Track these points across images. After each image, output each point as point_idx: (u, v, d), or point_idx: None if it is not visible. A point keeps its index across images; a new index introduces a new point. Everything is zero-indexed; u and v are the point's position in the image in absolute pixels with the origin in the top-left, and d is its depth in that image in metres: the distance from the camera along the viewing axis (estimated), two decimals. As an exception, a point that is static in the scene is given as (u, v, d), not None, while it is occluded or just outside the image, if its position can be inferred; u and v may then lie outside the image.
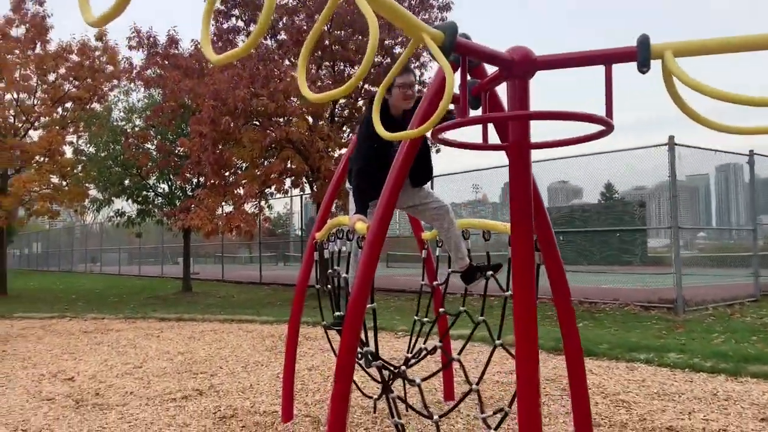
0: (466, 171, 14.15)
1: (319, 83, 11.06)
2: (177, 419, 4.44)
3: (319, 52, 13.53)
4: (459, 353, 3.77)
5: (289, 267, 34.44)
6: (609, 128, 2.21)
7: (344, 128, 13.99)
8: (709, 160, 12.02)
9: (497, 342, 3.30)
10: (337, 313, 3.71)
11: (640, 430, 3.97)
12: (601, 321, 9.40)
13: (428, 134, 2.72)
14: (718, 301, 10.78)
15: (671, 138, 10.24)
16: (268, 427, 4.24)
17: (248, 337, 8.33)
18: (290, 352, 4.47)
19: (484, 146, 2.57)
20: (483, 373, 3.51)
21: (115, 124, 18.05)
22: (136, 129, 17.55)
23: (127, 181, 17.65)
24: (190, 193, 16.80)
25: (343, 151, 13.22)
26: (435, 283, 4.24)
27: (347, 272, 3.45)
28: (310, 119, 11.61)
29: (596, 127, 2.14)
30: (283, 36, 14.18)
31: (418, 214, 3.71)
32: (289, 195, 14.33)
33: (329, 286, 4.03)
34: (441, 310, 4.02)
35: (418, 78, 13.66)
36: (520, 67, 2.29)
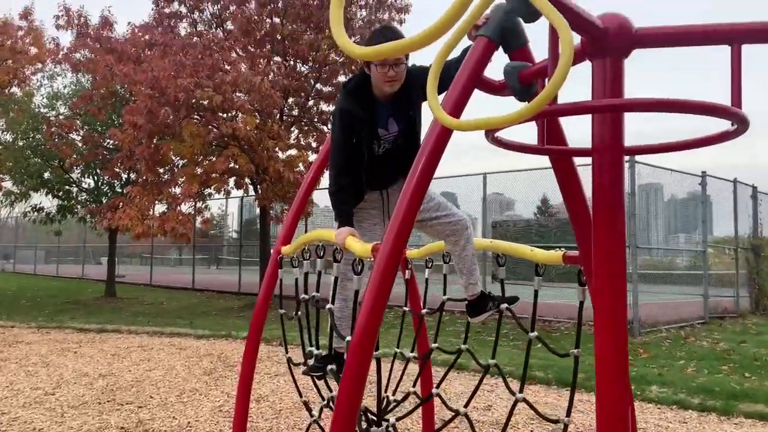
0: (439, 177, 13.51)
1: (271, 76, 10.23)
2: (96, 473, 3.57)
3: (268, 46, 12.68)
4: (438, 386, 3.12)
5: (222, 271, 32.97)
6: (743, 126, 1.61)
7: (292, 129, 13.16)
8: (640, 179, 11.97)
9: (518, 396, 2.66)
10: (313, 350, 2.97)
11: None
12: (558, 341, 9.01)
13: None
14: (671, 323, 10.66)
15: (632, 157, 10.05)
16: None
17: (182, 356, 7.38)
18: (243, 393, 3.67)
19: (567, 150, 1.94)
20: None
21: (36, 110, 16.46)
22: (61, 117, 16.05)
23: (47, 174, 16.09)
24: (119, 190, 15.48)
25: (292, 152, 12.39)
26: (424, 311, 3.57)
27: (332, 302, 2.72)
28: (257, 116, 10.73)
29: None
30: (230, 26, 13.24)
31: (428, 230, 3.03)
32: (230, 197, 13.34)
33: (298, 313, 3.29)
34: (434, 345, 3.35)
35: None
36: (616, 40, 1.66)
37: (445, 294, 3.41)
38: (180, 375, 6.27)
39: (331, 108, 13.42)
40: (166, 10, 13.19)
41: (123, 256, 32.64)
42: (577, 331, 2.66)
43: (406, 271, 3.84)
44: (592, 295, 2.56)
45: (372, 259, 2.31)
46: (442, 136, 2.05)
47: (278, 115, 11.46)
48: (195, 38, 12.66)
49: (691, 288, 13.46)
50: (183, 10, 13.34)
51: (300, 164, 11.52)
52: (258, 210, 13.35)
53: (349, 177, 2.82)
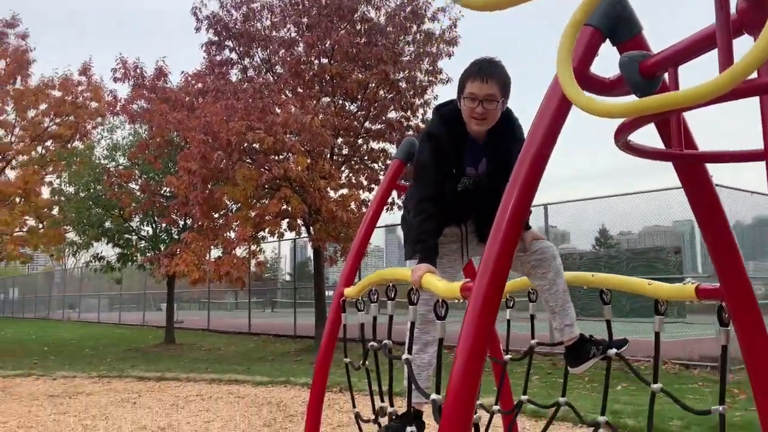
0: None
1: (321, 115, 10.16)
2: None
3: (317, 87, 12.70)
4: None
5: (277, 314, 32.94)
6: None
7: (343, 168, 13.04)
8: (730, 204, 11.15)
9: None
10: (387, 407, 2.61)
11: None
12: (639, 382, 8.30)
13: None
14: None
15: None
16: None
17: (241, 405, 7.11)
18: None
19: (734, 155, 1.58)
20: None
21: (96, 162, 16.98)
22: (120, 167, 16.49)
23: (108, 223, 16.46)
24: (176, 237, 15.65)
25: (343, 191, 12.21)
26: (507, 357, 3.17)
27: (408, 351, 2.37)
28: (308, 157, 10.64)
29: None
30: (279, 69, 13.37)
31: (514, 265, 2.68)
32: (283, 239, 13.26)
33: (366, 363, 2.96)
34: (524, 398, 2.94)
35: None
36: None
37: (533, 338, 3.02)
38: (239, 427, 5.97)
39: (381, 146, 13.27)
40: (218, 58, 13.44)
41: (181, 301, 33.10)
42: (721, 383, 2.23)
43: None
44: (743, 334, 2.15)
45: (461, 299, 1.97)
46: (551, 130, 1.72)
47: (329, 154, 11.37)
48: (246, 84, 12.82)
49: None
50: (234, 57, 13.58)
51: (352, 203, 11.33)
52: (311, 251, 13.21)
53: (436, 206, 2.50)
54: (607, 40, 1.80)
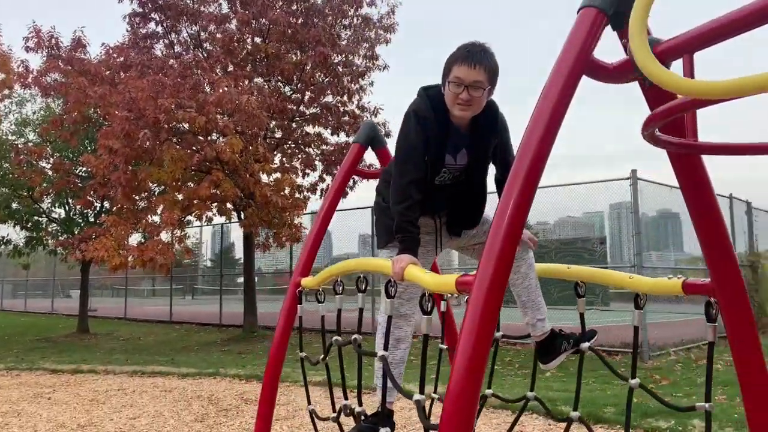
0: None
1: (256, 95, 9.72)
2: None
3: (250, 66, 12.21)
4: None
5: (198, 301, 31.95)
6: None
7: (275, 152, 12.62)
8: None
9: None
10: (354, 407, 2.43)
11: None
12: (567, 368, 8.52)
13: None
14: (678, 345, 10.28)
15: (634, 172, 9.76)
16: None
17: (169, 399, 6.71)
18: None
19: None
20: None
21: (3, 137, 15.65)
22: (29, 144, 15.27)
23: (15, 204, 15.23)
24: (93, 220, 14.70)
25: (277, 175, 11.82)
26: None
27: (385, 347, 2.19)
28: (242, 139, 10.18)
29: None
30: (208, 46, 12.75)
31: (477, 254, 2.56)
32: (211, 223, 12.70)
33: (326, 359, 2.77)
34: (488, 392, 2.84)
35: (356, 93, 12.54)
36: None
37: (498, 330, 2.93)
38: (169, 423, 5.61)
39: (316, 130, 12.96)
40: (142, 31, 12.66)
41: (93, 288, 31.41)
42: (707, 381, 2.20)
43: (442, 303, 3.35)
44: (732, 328, 2.12)
45: (456, 294, 1.82)
46: (553, 120, 1.59)
47: (263, 137, 10.95)
48: (172, 60, 12.17)
49: (692, 307, 13.15)
50: (159, 30, 12.83)
51: (287, 188, 10.99)
52: (234, 237, 12.75)
53: (421, 192, 2.32)
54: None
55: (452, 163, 2.46)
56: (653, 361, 9.18)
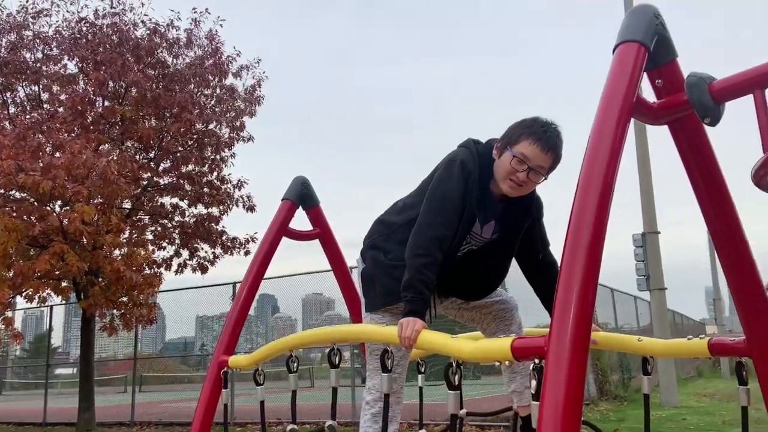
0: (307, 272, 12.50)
1: (108, 159, 8.79)
2: None
3: (100, 129, 11.20)
4: None
5: (8, 398, 27.54)
6: None
7: (126, 224, 11.47)
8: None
9: None
10: None
11: None
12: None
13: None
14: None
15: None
16: None
17: None
18: None
19: None
20: None
21: None
22: None
23: None
24: None
25: (125, 250, 10.67)
26: None
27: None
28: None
29: None
30: (48, 107, 11.56)
31: (469, 313, 2.33)
32: (45, 303, 11.00)
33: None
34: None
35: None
36: None
37: (461, 407, 2.67)
38: None
39: (173, 201, 12.10)
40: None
41: None
42: None
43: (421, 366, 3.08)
44: None
45: (510, 363, 1.56)
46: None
47: (116, 206, 9.92)
48: (5, 122, 10.86)
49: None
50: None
51: (143, 263, 9.97)
52: (47, 323, 11.16)
53: (442, 253, 2.05)
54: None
55: (478, 233, 2.24)
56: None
